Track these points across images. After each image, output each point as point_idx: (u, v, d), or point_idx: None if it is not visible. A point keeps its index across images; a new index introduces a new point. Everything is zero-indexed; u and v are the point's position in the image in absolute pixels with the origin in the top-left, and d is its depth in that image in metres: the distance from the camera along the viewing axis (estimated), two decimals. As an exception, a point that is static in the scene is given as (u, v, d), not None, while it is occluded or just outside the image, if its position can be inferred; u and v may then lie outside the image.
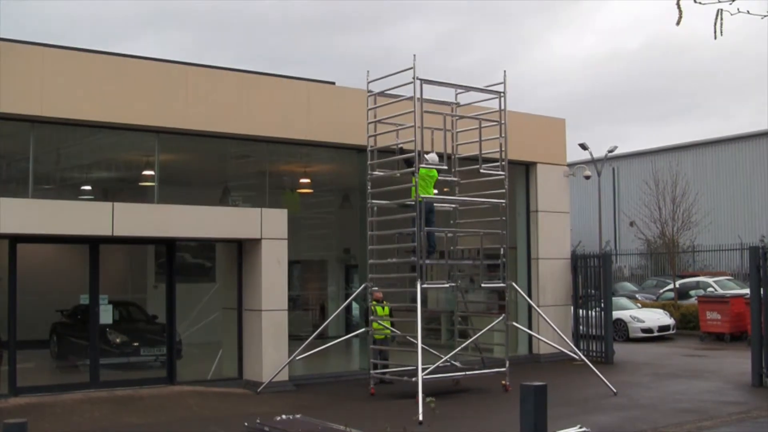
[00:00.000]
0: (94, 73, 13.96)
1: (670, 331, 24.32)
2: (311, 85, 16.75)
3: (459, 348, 15.32)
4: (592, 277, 19.09)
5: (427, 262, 14.14)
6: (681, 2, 5.24)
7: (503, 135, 14.83)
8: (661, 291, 30.14)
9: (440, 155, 14.89)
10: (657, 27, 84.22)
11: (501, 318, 15.08)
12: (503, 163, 14.88)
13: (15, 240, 13.45)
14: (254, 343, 14.99)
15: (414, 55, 13.44)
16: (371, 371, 14.76)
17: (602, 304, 18.76)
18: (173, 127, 14.59)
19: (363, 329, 15.82)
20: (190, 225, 14.43)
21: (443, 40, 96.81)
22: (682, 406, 12.83)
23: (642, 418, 11.76)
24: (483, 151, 14.98)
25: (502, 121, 14.86)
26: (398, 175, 14.60)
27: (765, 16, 5.52)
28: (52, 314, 15.63)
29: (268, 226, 15.01)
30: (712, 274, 30.89)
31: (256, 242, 15.00)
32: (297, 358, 14.73)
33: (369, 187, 14.82)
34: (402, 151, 14.42)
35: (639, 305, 26.47)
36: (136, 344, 15.55)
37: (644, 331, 23.92)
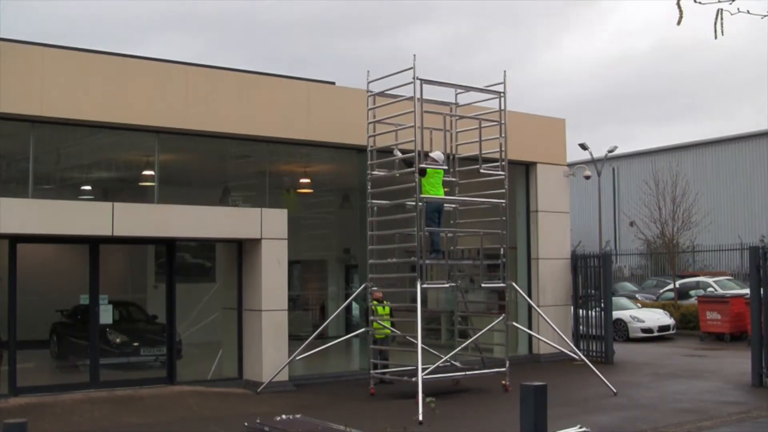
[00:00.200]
0: (94, 73, 13.96)
1: (670, 331, 24.32)
2: (311, 85, 16.75)
3: (459, 348, 15.32)
4: (592, 277, 19.09)
5: (427, 262, 14.14)
6: (681, 2, 5.24)
7: (503, 135, 14.83)
8: (661, 291, 30.14)
9: (440, 155, 14.89)
10: (667, 29, 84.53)
11: (501, 318, 15.07)
12: (503, 163, 14.88)
13: (15, 240, 13.45)
14: (254, 343, 14.99)
15: (414, 55, 13.46)
16: (371, 371, 14.77)
17: (602, 304, 18.76)
18: (173, 127, 14.59)
19: (363, 329, 15.82)
20: (190, 225, 14.42)
21: (455, 42, 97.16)
22: (682, 406, 12.83)
23: (642, 418, 11.76)
24: (483, 151, 14.98)
25: (502, 121, 14.86)
26: (397, 175, 14.60)
27: (765, 15, 5.52)
28: (52, 314, 15.63)
29: (268, 226, 15.01)
30: (712, 274, 30.89)
31: (256, 242, 15.00)
32: (297, 358, 14.73)
33: (369, 187, 14.82)
34: (403, 152, 14.41)
35: (639, 305, 26.47)
36: (136, 344, 15.55)
37: (644, 331, 23.92)
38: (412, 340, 14.58)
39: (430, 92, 14.26)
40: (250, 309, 15.16)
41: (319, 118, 15.94)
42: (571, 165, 21.94)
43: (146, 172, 15.61)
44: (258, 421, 9.50)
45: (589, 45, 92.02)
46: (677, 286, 28.28)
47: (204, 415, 12.48)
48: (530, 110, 18.70)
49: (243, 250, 15.40)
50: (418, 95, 13.67)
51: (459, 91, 15.45)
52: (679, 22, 5.33)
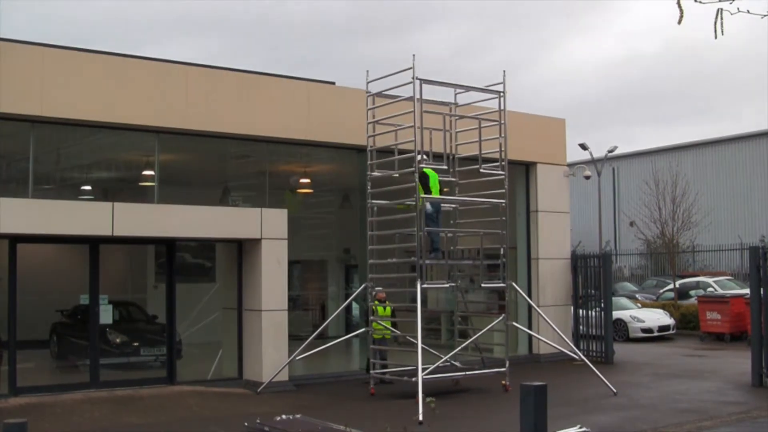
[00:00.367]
0: (94, 73, 13.95)
1: (670, 331, 24.31)
2: (311, 85, 16.75)
3: (459, 348, 15.31)
4: (592, 277, 19.09)
5: (427, 262, 14.14)
6: (681, 2, 5.25)
7: (503, 135, 14.83)
8: (661, 291, 30.14)
9: (440, 155, 14.88)
10: (671, 30, 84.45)
11: (501, 318, 15.07)
12: (503, 163, 14.87)
13: (15, 240, 13.45)
14: (254, 343, 14.99)
15: (413, 55, 13.45)
16: (371, 371, 14.77)
17: (602, 304, 18.76)
18: (173, 127, 14.59)
19: (363, 329, 15.82)
20: (190, 225, 14.42)
21: (463, 44, 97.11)
22: (682, 406, 12.83)
23: (642, 418, 11.76)
24: (483, 151, 14.98)
25: (502, 121, 14.86)
26: (397, 175, 14.60)
27: (765, 15, 5.52)
28: (52, 314, 15.63)
29: (268, 226, 15.01)
30: (712, 274, 30.88)
31: (256, 242, 15.00)
32: (297, 358, 14.73)
33: (369, 187, 14.82)
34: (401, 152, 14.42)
35: (639, 305, 26.47)
36: (136, 344, 15.55)
37: (644, 331, 23.92)
38: (412, 340, 14.58)
39: (430, 92, 14.28)
40: (250, 309, 15.16)
41: (319, 118, 15.94)
42: (571, 165, 21.95)
43: (146, 172, 15.61)
44: (258, 421, 9.50)
45: (596, 46, 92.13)
46: (677, 286, 28.28)
47: (204, 415, 12.48)
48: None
49: (243, 250, 15.40)
50: (417, 95, 13.67)
51: (459, 91, 15.44)
52: (679, 21, 5.34)
